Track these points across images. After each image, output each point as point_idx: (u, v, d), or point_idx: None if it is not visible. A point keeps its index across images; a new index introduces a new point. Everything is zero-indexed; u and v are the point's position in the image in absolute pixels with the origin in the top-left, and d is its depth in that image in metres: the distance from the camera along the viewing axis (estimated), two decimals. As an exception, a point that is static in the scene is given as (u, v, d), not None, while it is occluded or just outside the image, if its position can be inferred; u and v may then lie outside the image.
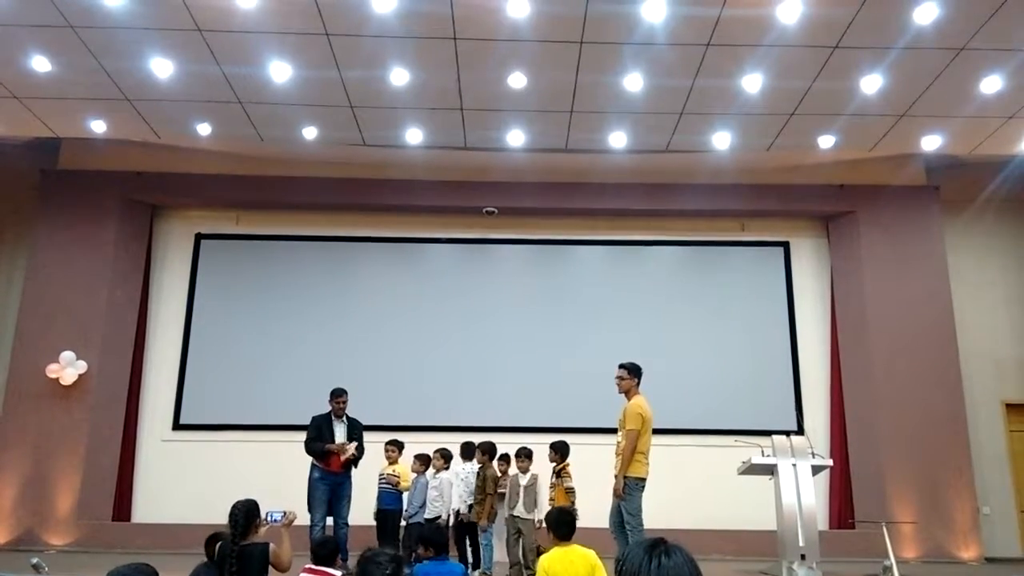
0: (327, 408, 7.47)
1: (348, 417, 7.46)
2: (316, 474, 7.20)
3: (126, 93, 8.12)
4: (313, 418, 7.40)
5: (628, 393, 6.59)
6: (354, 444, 7.29)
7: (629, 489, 6.26)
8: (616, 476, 6.35)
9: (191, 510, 8.81)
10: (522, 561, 6.82)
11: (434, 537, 4.40)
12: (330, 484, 7.16)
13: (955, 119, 8.39)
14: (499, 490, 7.21)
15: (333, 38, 7.15)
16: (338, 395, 7.43)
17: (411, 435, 8.25)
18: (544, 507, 6.84)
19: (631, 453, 6.29)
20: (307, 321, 9.88)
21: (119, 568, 2.50)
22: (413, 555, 7.32)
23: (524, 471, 7.16)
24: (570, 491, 6.91)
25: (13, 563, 7.20)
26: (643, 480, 6.32)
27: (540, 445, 7.40)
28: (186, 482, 9.30)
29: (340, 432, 7.35)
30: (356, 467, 7.41)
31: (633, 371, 6.61)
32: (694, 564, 1.63)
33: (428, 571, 4.20)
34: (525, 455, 7.25)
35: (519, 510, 6.97)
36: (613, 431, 6.66)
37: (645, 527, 6.25)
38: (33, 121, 8.74)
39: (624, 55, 7.34)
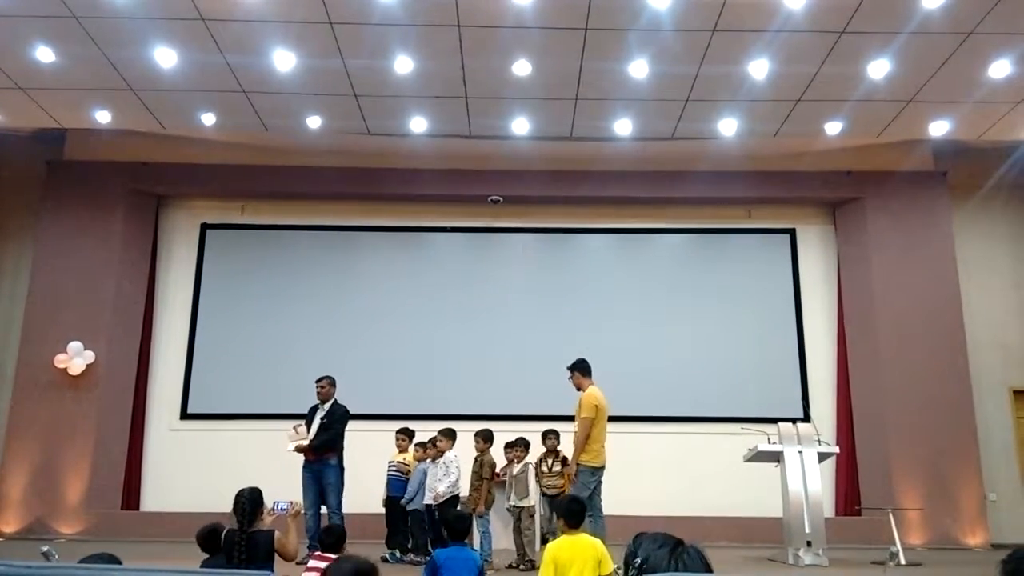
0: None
1: (335, 404, 7.36)
2: (303, 462, 7.23)
3: (131, 83, 8.12)
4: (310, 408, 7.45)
5: (581, 388, 6.71)
6: (302, 427, 7.17)
7: (581, 475, 6.42)
8: (569, 462, 6.59)
9: (199, 499, 8.84)
10: (523, 549, 6.83)
11: (455, 524, 4.45)
12: (311, 472, 7.13)
13: (963, 104, 8.32)
14: (501, 478, 7.24)
15: (337, 26, 7.12)
16: (316, 380, 7.41)
17: (415, 423, 8.25)
18: (535, 494, 6.86)
19: (584, 441, 6.42)
20: (313, 310, 9.91)
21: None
22: (413, 543, 7.33)
23: (518, 460, 7.16)
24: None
25: (23, 551, 7.28)
26: (597, 468, 6.45)
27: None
28: (194, 471, 9.35)
29: (318, 419, 7.28)
30: (313, 455, 7.10)
31: (576, 368, 6.76)
32: (707, 562, 1.65)
33: (450, 555, 4.29)
34: (523, 445, 7.26)
35: (513, 499, 6.98)
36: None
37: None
38: (38, 112, 8.74)
39: (629, 41, 7.29)
